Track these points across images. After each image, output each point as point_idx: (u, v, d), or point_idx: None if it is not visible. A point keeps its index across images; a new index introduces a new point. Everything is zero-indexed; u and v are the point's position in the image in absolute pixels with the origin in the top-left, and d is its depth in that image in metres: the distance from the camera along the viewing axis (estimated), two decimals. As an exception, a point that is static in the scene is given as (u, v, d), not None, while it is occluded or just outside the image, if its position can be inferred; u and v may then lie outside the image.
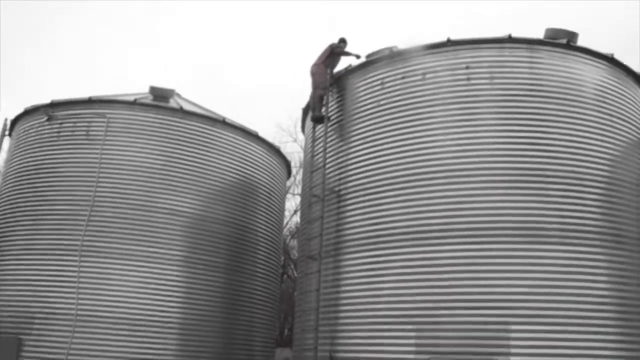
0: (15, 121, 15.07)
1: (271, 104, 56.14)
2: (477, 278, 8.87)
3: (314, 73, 11.95)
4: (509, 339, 8.49)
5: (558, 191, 9.27)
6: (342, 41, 12.24)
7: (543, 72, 10.06)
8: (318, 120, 11.76)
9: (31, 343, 11.73)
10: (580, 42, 10.67)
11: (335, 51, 11.96)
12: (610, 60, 10.71)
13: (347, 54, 12.02)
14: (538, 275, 8.80)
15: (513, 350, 8.42)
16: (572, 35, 10.61)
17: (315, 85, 11.85)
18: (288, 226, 32.08)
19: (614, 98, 10.44)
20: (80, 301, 11.86)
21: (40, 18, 66.20)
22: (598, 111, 10.08)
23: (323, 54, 12.05)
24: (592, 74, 10.34)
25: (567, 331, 8.54)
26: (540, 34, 10.71)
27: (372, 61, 11.09)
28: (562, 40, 10.38)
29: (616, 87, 10.59)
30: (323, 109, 11.69)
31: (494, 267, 8.89)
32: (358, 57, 11.70)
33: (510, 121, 9.66)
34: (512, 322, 8.57)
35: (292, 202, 31.98)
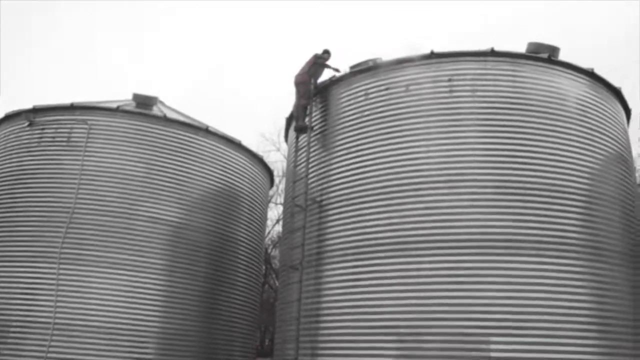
0: (-5, 126, 14.87)
1: (255, 113, 56.08)
2: (458, 289, 8.90)
3: (298, 83, 11.97)
4: (489, 350, 8.52)
5: (538, 204, 9.35)
6: (326, 52, 12.28)
7: (525, 85, 10.17)
8: (301, 130, 11.77)
9: (7, 352, 11.51)
10: (562, 56, 10.81)
11: (318, 62, 12.00)
12: (590, 75, 10.87)
13: (328, 66, 12.06)
14: (518, 287, 8.85)
15: (493, 362, 8.45)
16: (554, 50, 10.76)
17: (299, 95, 11.86)
18: (270, 235, 31.96)
19: (594, 112, 10.58)
20: (58, 309, 11.67)
21: (22, 19, 65.64)
22: (579, 125, 10.20)
23: (307, 63, 12.08)
24: (573, 88, 10.48)
25: (547, 343, 8.58)
26: (522, 48, 10.85)
27: (356, 72, 11.13)
28: (543, 55, 10.51)
29: (597, 101, 10.74)
30: (307, 119, 11.70)
31: (475, 278, 8.93)
32: (337, 71, 11.81)
33: (493, 134, 9.74)
34: (492, 333, 8.60)
35: (275, 212, 31.87)
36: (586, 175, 9.93)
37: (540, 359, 8.48)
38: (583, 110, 10.42)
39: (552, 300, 8.84)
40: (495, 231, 9.12)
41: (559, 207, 9.45)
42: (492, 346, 8.53)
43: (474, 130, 9.76)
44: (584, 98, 10.56)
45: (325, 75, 12.15)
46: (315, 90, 11.90)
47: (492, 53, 10.31)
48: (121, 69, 64.61)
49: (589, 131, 10.32)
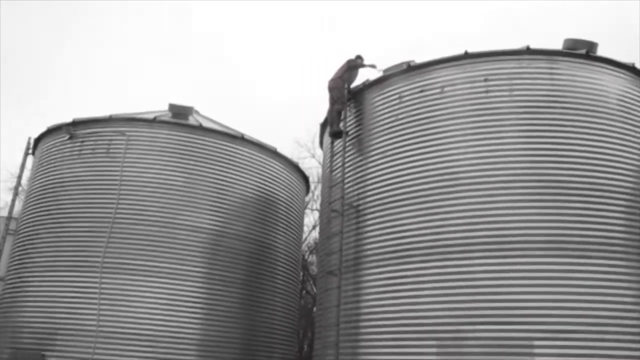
0: (38, 140, 15.30)
1: (288, 120, 56.34)
2: (499, 293, 8.73)
3: (331, 88, 11.98)
4: (532, 354, 8.33)
5: (581, 203, 9.12)
6: (359, 57, 12.26)
7: (563, 83, 9.96)
8: (336, 135, 11.76)
9: (53, 359, 11.78)
10: (600, 52, 10.56)
11: (351, 64, 11.99)
12: (631, 69, 10.58)
13: (363, 65, 12.04)
14: (562, 290, 8.63)
15: (538, 367, 8.26)
16: (592, 45, 10.51)
17: (333, 101, 11.87)
18: (307, 242, 31.99)
19: (636, 107, 10.28)
20: (101, 317, 11.90)
21: (57, 36, 67.47)
22: (620, 121, 9.93)
23: (340, 69, 12.08)
24: (613, 84, 10.22)
25: (591, 347, 8.34)
26: (558, 45, 10.63)
27: (389, 75, 11.08)
28: (581, 51, 10.28)
29: (638, 96, 10.43)
30: (341, 124, 11.69)
31: (516, 281, 8.74)
32: (374, 66, 11.78)
33: (531, 133, 9.55)
34: (535, 337, 8.40)
35: (311, 218, 31.96)
36: (630, 173, 9.65)
37: (586, 363, 8.26)
38: (625, 106, 10.14)
39: (597, 303, 8.59)
40: (537, 232, 8.92)
41: (603, 207, 9.20)
42: (536, 350, 8.34)
43: (512, 130, 9.60)
44: (625, 93, 10.28)
45: (359, 80, 12.14)
46: (349, 94, 11.88)
47: (528, 51, 10.13)
48: (155, 78, 65.77)
49: (631, 127, 10.04)
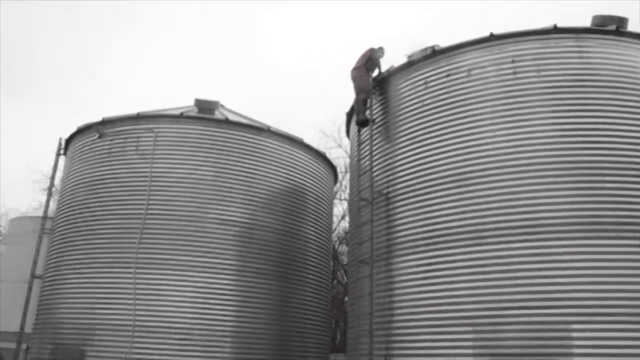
0: (69, 140, 15.58)
1: (313, 110, 56.33)
2: (534, 276, 8.60)
3: (355, 77, 11.92)
4: (570, 338, 8.20)
5: (614, 183, 8.91)
6: (381, 50, 12.16)
7: (593, 61, 9.73)
8: (363, 123, 11.70)
9: (93, 354, 12.04)
10: (631, 27, 10.29)
11: (372, 56, 11.90)
12: (663, 44, 10.27)
13: (379, 65, 11.99)
14: (598, 272, 8.46)
15: (575, 351, 8.12)
16: (622, 21, 10.24)
17: (359, 90, 11.80)
18: (336, 231, 32.04)
19: (669, 83, 10.00)
20: (137, 312, 12.10)
21: (82, 37, 68.37)
22: (653, 98, 9.67)
23: (363, 56, 12.01)
24: (644, 60, 9.94)
25: (631, 329, 8.16)
26: (586, 23, 10.39)
27: (415, 61, 10.97)
28: (611, 27, 10.03)
29: (671, 72, 10.14)
30: (367, 112, 11.63)
31: (552, 264, 8.60)
32: (380, 72, 11.82)
33: (561, 113, 9.37)
34: (573, 321, 8.26)
35: (340, 208, 31.90)
36: (665, 150, 9.40)
37: (624, 347, 8.08)
38: (657, 82, 9.87)
39: (635, 284, 8.39)
40: (572, 214, 8.75)
41: (637, 186, 8.97)
42: (574, 334, 8.21)
43: (542, 111, 9.42)
44: (657, 69, 9.99)
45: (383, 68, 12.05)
46: (374, 82, 11.81)
47: (555, 30, 9.92)
48: (180, 74, 66.30)
49: (665, 104, 9.76)
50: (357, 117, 11.80)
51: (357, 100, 11.84)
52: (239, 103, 17.02)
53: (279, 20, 68.26)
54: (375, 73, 12.00)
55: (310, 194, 15.27)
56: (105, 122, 14.31)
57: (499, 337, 8.55)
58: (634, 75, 9.71)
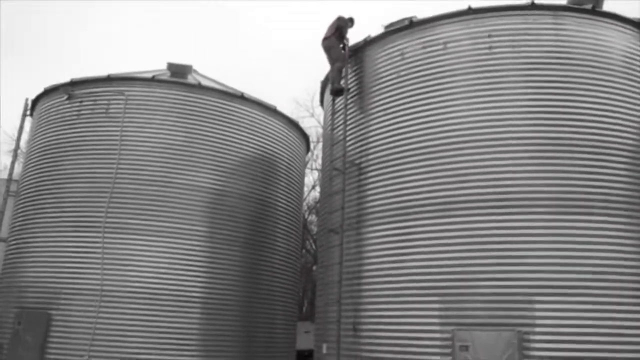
0: (35, 101, 15.16)
1: (287, 79, 55.84)
2: (501, 249, 8.79)
3: (327, 47, 11.84)
4: (534, 309, 8.44)
5: (585, 160, 9.10)
6: (351, 20, 12.04)
7: (568, 39, 9.82)
8: (337, 92, 11.65)
9: (60, 317, 11.94)
10: (605, 7, 10.38)
11: (340, 25, 11.81)
12: (637, 25, 10.41)
13: (343, 38, 11.88)
14: (564, 246, 8.68)
15: (538, 322, 8.37)
16: (597, 1, 10.33)
17: (333, 59, 11.72)
18: (306, 201, 32.13)
19: (641, 64, 10.17)
20: (105, 277, 12.01)
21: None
22: (626, 78, 9.83)
23: (332, 26, 11.90)
24: (619, 40, 10.08)
25: (593, 302, 8.43)
26: (564, 1, 10.45)
27: (392, 32, 10.91)
28: (587, 6, 10.11)
29: (643, 52, 10.31)
30: (342, 82, 11.57)
31: (519, 237, 8.79)
32: (344, 46, 11.76)
33: (535, 90, 9.47)
34: (537, 293, 8.49)
35: (310, 177, 32.01)
36: (633, 130, 9.60)
37: (585, 318, 8.36)
38: (630, 63, 10.03)
39: (599, 259, 8.64)
40: (540, 189, 8.93)
41: (606, 164, 9.18)
42: (536, 306, 8.44)
43: (516, 87, 9.50)
44: (631, 50, 10.15)
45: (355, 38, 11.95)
46: (350, 52, 11.73)
47: (533, 6, 9.95)
48: (152, 40, 64.88)
49: (636, 84, 9.94)
50: (332, 86, 11.74)
51: (332, 70, 11.76)
52: (213, 70, 16.68)
53: (253, -14, 66.98)
54: (342, 47, 11.91)
55: (282, 163, 15.22)
56: (75, 84, 13.95)
57: (465, 307, 8.75)
58: (607, 55, 9.85)
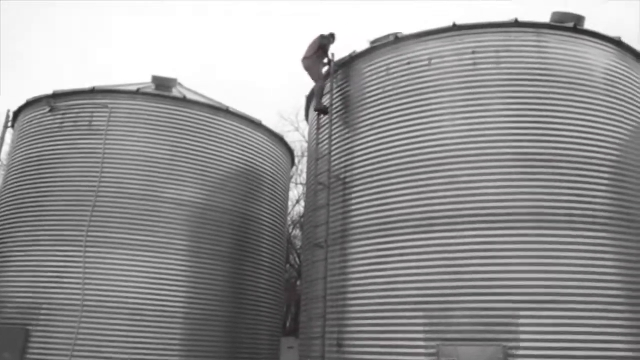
0: (17, 112, 14.99)
1: (271, 93, 55.94)
2: (485, 264, 8.82)
3: (307, 67, 11.83)
4: (518, 324, 8.45)
5: (567, 176, 9.20)
6: (332, 36, 12.07)
7: (551, 56, 9.97)
8: (321, 111, 11.66)
9: (38, 333, 11.70)
10: (587, 25, 10.56)
11: (322, 43, 11.80)
12: (617, 43, 10.62)
13: (326, 55, 11.90)
14: (546, 261, 8.74)
15: (522, 336, 8.39)
16: (579, 19, 10.51)
17: (315, 79, 11.74)
18: (290, 215, 32.04)
19: (622, 82, 10.35)
20: (86, 291, 11.83)
21: (39, 9, 65.84)
22: (607, 95, 9.99)
23: (313, 45, 11.87)
24: (600, 58, 10.25)
25: (577, 317, 8.49)
26: (545, 18, 10.61)
27: (377, 47, 10.99)
28: (569, 24, 10.27)
29: (624, 70, 10.51)
30: (326, 97, 11.59)
31: (502, 252, 8.84)
32: (329, 61, 11.79)
33: (518, 106, 9.58)
34: (521, 307, 8.52)
35: (295, 192, 31.92)
36: (614, 145, 9.75)
37: (569, 332, 8.39)
38: (610, 80, 10.20)
39: (582, 273, 8.72)
40: (522, 204, 9.00)
41: (588, 179, 9.29)
42: (521, 320, 8.46)
43: (499, 103, 9.61)
44: (611, 67, 10.33)
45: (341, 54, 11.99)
46: (336, 66, 11.78)
47: (516, 23, 10.10)
48: (138, 53, 64.72)
49: (616, 101, 10.11)
50: (316, 104, 11.76)
51: (315, 88, 11.79)
52: (198, 84, 16.65)
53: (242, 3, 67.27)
54: (325, 64, 11.98)
55: (267, 177, 15.18)
56: (57, 96, 13.82)
57: (449, 322, 8.74)
58: (588, 72, 10.01)
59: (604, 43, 10.49)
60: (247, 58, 65.23)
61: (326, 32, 12.07)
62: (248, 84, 60.04)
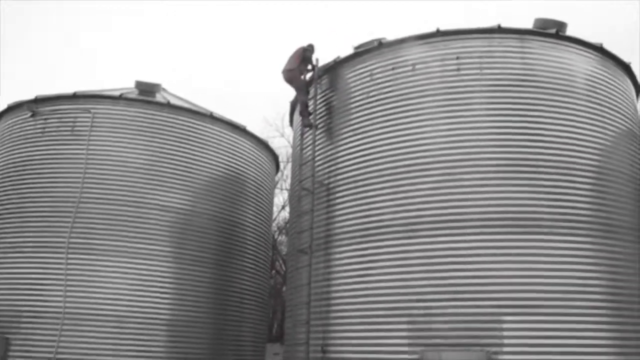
0: (-2, 118, 14.79)
1: (257, 98, 55.89)
2: (468, 269, 8.83)
3: (290, 79, 11.72)
4: (501, 329, 8.47)
5: (549, 181, 9.24)
6: (310, 46, 12.01)
7: (533, 62, 10.03)
8: (308, 125, 11.61)
9: (19, 342, 11.52)
10: (569, 32, 10.64)
11: (305, 55, 11.76)
12: (599, 50, 10.71)
13: (311, 62, 11.90)
14: (529, 266, 8.77)
15: (506, 341, 8.41)
16: (561, 25, 10.59)
17: (298, 91, 11.73)
18: (276, 221, 31.95)
19: (604, 88, 10.44)
20: (67, 299, 11.66)
21: (18, 15, 65.31)
22: (589, 101, 10.07)
23: (295, 57, 11.74)
24: (582, 64, 10.33)
25: (559, 321, 8.52)
26: (529, 24, 10.69)
27: (361, 52, 11.00)
28: (551, 30, 10.35)
29: (606, 77, 10.59)
30: (310, 104, 11.56)
31: (486, 257, 8.85)
32: (313, 67, 11.81)
33: (501, 111, 9.62)
34: (504, 312, 8.54)
35: (280, 198, 31.85)
36: (596, 151, 9.81)
37: (552, 337, 8.42)
38: (592, 86, 10.28)
39: (565, 278, 8.76)
40: (505, 209, 9.03)
41: (570, 185, 9.35)
42: (505, 325, 8.48)
43: (482, 109, 9.64)
44: (593, 74, 10.41)
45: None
46: (320, 72, 11.77)
47: (499, 30, 10.16)
48: (120, 58, 64.40)
49: (598, 107, 10.19)
50: (302, 121, 11.71)
51: (299, 102, 11.75)
52: (182, 89, 16.58)
53: (226, 9, 67.23)
54: (310, 71, 11.97)
55: (251, 182, 15.11)
56: (39, 101, 13.67)
57: (433, 328, 8.73)
58: (570, 78, 10.08)
59: (586, 49, 10.57)
60: (232, 63, 65.20)
61: (306, 44, 11.99)
62: (233, 90, 59.98)
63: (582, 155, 9.63)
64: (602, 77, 10.55)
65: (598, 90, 10.33)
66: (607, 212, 9.45)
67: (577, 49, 10.43)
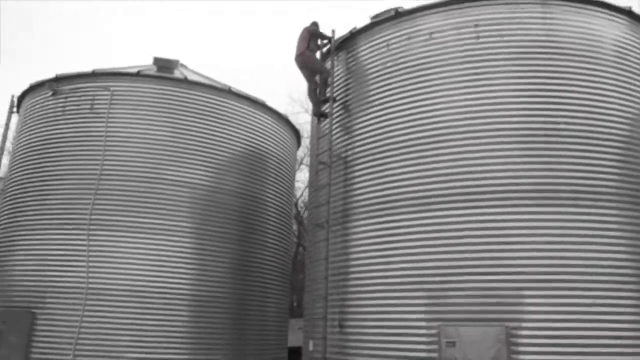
0: (21, 97, 14.97)
1: (283, 75, 55.63)
2: (488, 243, 8.59)
3: (304, 63, 11.28)
4: (522, 304, 8.25)
5: (573, 151, 8.90)
6: (315, 24, 11.69)
7: (557, 28, 9.61)
8: (322, 115, 11.38)
9: (44, 317, 11.76)
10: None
11: (312, 32, 11.40)
12: (628, 13, 10.22)
13: (322, 36, 11.60)
14: (553, 239, 8.49)
15: (525, 317, 8.19)
16: (587, -11, 10.12)
17: (312, 76, 11.42)
18: (302, 197, 31.93)
19: (633, 54, 9.97)
20: (90, 275, 11.83)
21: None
22: (616, 68, 9.63)
23: (303, 39, 11.35)
24: (609, 29, 9.87)
25: (581, 296, 8.24)
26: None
27: (377, 22, 10.71)
28: (576, -6, 9.90)
29: (636, 42, 10.11)
30: (327, 91, 11.33)
31: (506, 231, 8.60)
32: (329, 39, 11.51)
33: (523, 80, 9.26)
34: (524, 287, 8.31)
35: (306, 173, 31.74)
36: (624, 120, 9.41)
37: (575, 312, 8.17)
38: (621, 52, 9.83)
39: (590, 252, 8.45)
40: (527, 181, 8.73)
41: (595, 155, 8.99)
42: (524, 300, 8.26)
43: (503, 77, 9.29)
44: (621, 39, 9.94)
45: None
46: (336, 44, 11.52)
47: (521, -6, 9.74)
48: (140, 35, 64.63)
49: (627, 74, 9.74)
50: (315, 108, 11.49)
51: (311, 90, 11.49)
52: (203, 65, 16.45)
53: (250, -18, 66.67)
54: (325, 46, 11.72)
55: (272, 158, 15.02)
56: (59, 79, 13.76)
57: (451, 303, 8.56)
58: (596, 44, 9.65)
59: (614, 14, 10.09)
60: (255, 41, 64.89)
61: (308, 24, 11.69)
62: (257, 67, 59.75)
63: (608, 124, 9.23)
64: (631, 42, 10.08)
65: (627, 57, 9.88)
66: (632, 183, 9.08)
67: (603, 13, 9.96)
